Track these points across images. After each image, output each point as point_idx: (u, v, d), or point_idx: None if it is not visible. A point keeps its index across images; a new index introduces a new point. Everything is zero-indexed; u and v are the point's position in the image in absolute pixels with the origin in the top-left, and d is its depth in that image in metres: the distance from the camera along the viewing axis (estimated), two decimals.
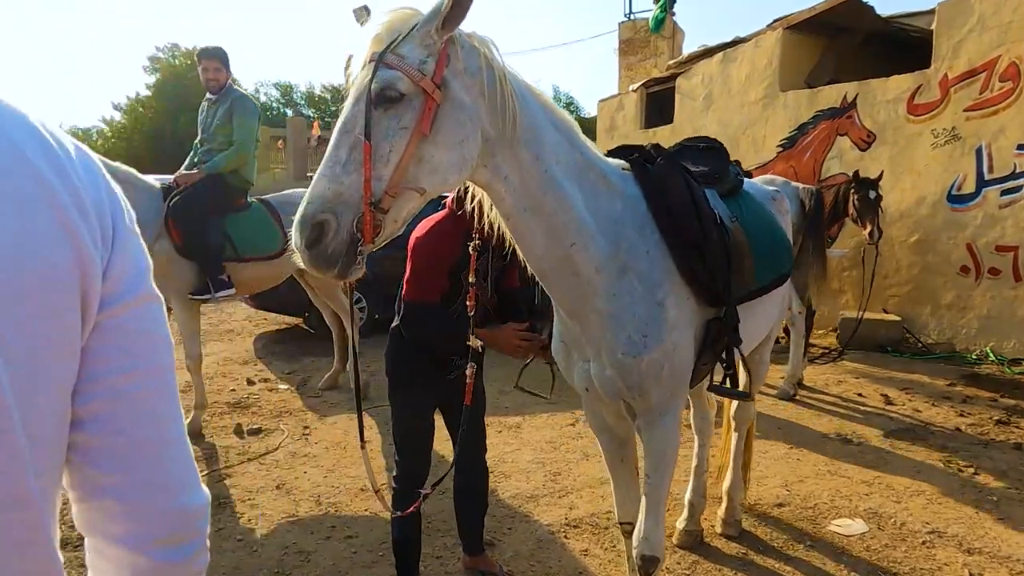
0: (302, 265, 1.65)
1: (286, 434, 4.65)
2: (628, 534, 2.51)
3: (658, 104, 10.86)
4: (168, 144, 24.06)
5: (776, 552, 3.12)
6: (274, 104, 42.57)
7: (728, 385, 2.28)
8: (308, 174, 21.59)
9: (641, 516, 2.20)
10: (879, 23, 8.10)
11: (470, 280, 2.34)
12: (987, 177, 6.45)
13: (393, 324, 2.65)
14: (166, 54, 29.24)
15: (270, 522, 3.42)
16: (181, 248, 4.42)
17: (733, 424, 3.34)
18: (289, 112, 37.16)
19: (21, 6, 73.13)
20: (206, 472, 4.00)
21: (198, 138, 4.91)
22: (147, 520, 0.71)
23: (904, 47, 8.33)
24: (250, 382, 5.95)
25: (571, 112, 48.44)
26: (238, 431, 4.70)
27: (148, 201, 4.43)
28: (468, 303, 2.32)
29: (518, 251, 2.09)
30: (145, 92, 27.99)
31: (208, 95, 4.84)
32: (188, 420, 4.66)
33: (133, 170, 4.52)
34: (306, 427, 4.83)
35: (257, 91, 40.61)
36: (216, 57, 4.72)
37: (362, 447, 2.19)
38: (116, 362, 0.68)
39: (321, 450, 4.39)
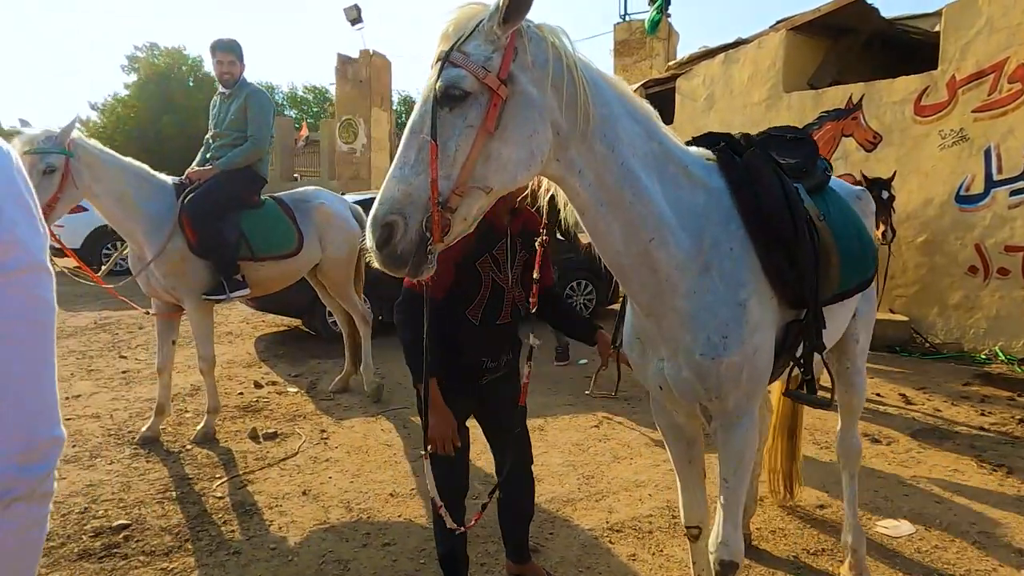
0: (375, 265, 1.61)
1: (304, 438, 4.51)
2: (695, 538, 2.43)
3: (657, 105, 10.67)
4: (151, 144, 23.67)
5: (827, 554, 3.06)
6: None
7: (805, 391, 2.19)
8: (295, 175, 21.42)
9: (719, 521, 2.12)
10: (883, 25, 8.15)
11: (493, 272, 2.25)
12: (996, 178, 6.50)
13: None
14: (144, 53, 28.83)
15: (301, 529, 3.29)
16: (195, 247, 4.26)
17: (840, 461, 2.94)
18: None
19: (21, 6, 71.71)
20: (227, 478, 3.86)
21: (210, 133, 4.76)
22: (6, 440, 0.84)
23: (906, 49, 8.39)
24: (258, 385, 5.80)
25: None
26: (253, 435, 4.55)
27: (161, 198, 4.28)
28: (531, 299, 2.22)
29: (593, 246, 2.01)
30: (124, 92, 27.53)
31: (221, 89, 4.69)
32: (202, 424, 4.52)
33: (146, 166, 4.36)
34: (323, 431, 4.69)
35: None
36: (231, 50, 4.57)
37: (425, 457, 2.07)
38: None
39: (342, 454, 4.26)
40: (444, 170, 1.54)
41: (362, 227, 5.41)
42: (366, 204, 7.31)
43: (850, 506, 2.83)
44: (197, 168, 4.54)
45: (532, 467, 2.75)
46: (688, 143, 2.12)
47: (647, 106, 1.96)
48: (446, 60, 1.58)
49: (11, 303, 0.84)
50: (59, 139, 3.76)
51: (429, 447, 2.15)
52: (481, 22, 1.60)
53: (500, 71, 1.58)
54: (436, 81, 1.56)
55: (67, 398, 5.25)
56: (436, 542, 2.61)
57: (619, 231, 1.86)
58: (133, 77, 27.92)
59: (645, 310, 2.02)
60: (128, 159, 4.26)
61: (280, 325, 8.45)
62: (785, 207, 1.98)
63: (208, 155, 4.70)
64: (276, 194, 5.04)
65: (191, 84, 26.27)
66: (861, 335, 2.76)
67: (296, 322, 8.29)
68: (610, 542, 3.19)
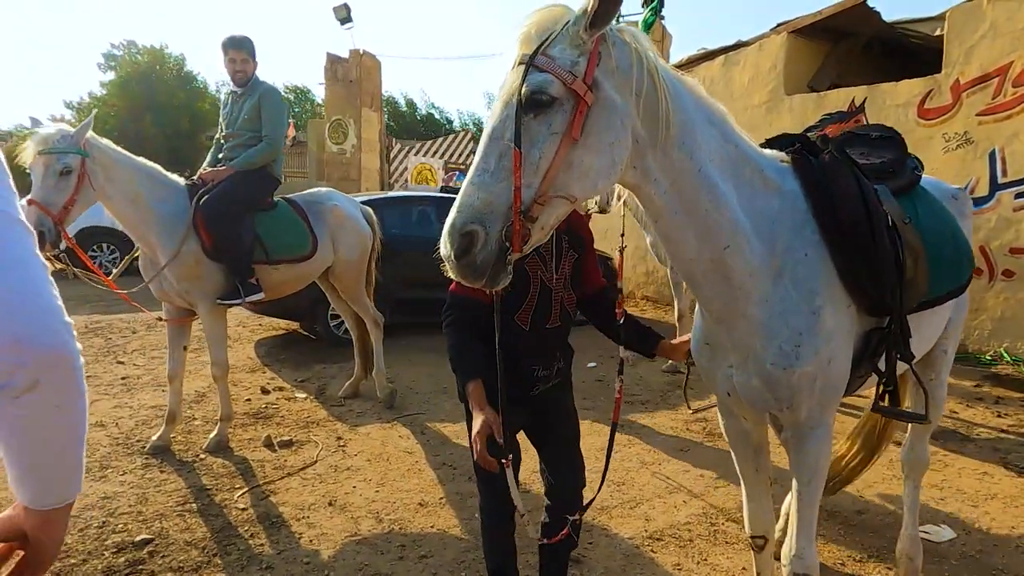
0: (451, 275, 1.55)
1: (321, 446, 4.40)
2: (761, 548, 2.38)
3: None
4: (132, 144, 23.11)
5: (874, 559, 3.03)
6: None
7: (887, 404, 2.13)
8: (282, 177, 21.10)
9: (792, 533, 2.06)
10: (884, 28, 8.21)
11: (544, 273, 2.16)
12: (1001, 180, 6.55)
13: None
14: (122, 51, 28.34)
15: (333, 542, 3.18)
16: (210, 250, 4.13)
17: (903, 468, 2.88)
18: None
19: (21, 6, 70.13)
20: (247, 489, 3.73)
21: (221, 133, 4.62)
22: None
23: (905, 54, 8.46)
24: (264, 391, 5.66)
25: None
26: (268, 444, 4.43)
27: (174, 200, 4.14)
28: (617, 310, 2.14)
29: (665, 251, 1.96)
30: (100, 91, 26.97)
31: (233, 88, 4.55)
32: (215, 432, 4.38)
33: (158, 166, 4.22)
34: (339, 438, 4.58)
35: (218, 91, 39.66)
36: (243, 47, 4.44)
37: (503, 465, 1.99)
38: None
39: (363, 462, 4.16)
40: (526, 178, 1.49)
41: (372, 229, 5.35)
42: (373, 205, 7.21)
43: (911, 515, 2.78)
44: (211, 169, 4.41)
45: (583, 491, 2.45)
46: (762, 145, 2.06)
47: (721, 108, 1.91)
48: (530, 64, 1.52)
49: None
50: (75, 138, 3.61)
51: (477, 447, 1.93)
52: (566, 25, 1.55)
53: (586, 76, 1.54)
54: (520, 85, 1.50)
55: None
56: (485, 555, 2.51)
57: (694, 238, 1.81)
58: (110, 75, 27.42)
59: (716, 317, 1.96)
60: (141, 159, 4.12)
61: (278, 329, 8.30)
62: (863, 210, 1.93)
63: (220, 156, 4.56)
64: (287, 195, 4.92)
65: (172, 82, 25.83)
66: (950, 345, 2.67)
67: (294, 325, 8.15)
68: (652, 551, 3.12)
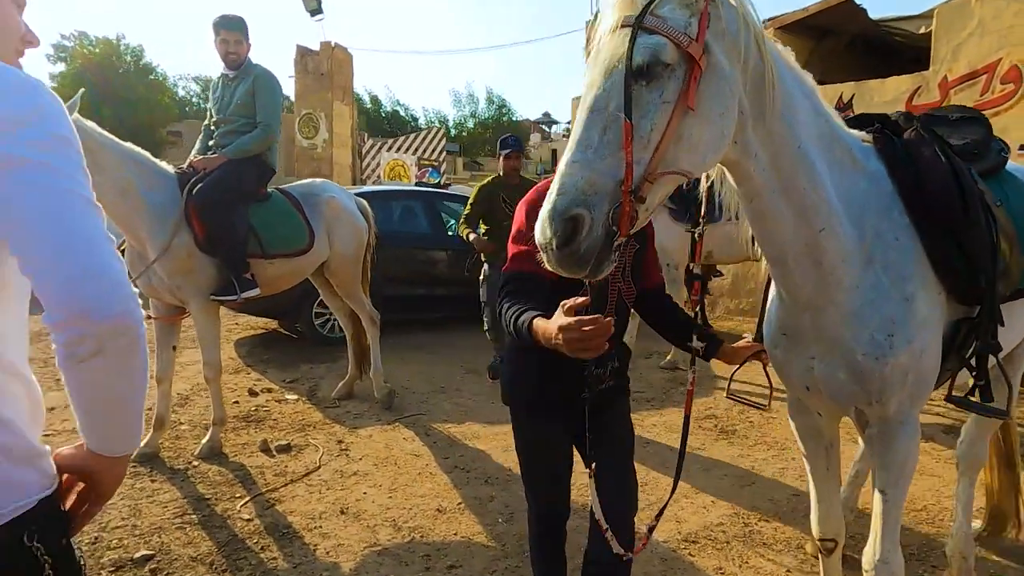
0: (546, 265, 1.38)
1: (322, 451, 4.16)
2: (830, 552, 2.26)
3: None
4: None
5: (916, 559, 2.95)
6: (194, 99, 40.65)
7: (976, 398, 2.02)
8: None
9: (875, 538, 1.94)
10: (870, 26, 8.27)
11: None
12: None
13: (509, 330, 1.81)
14: (74, 42, 27.32)
15: (352, 553, 2.97)
16: (203, 242, 3.86)
17: (959, 464, 2.75)
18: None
19: None
20: (250, 498, 3.49)
21: (212, 119, 4.34)
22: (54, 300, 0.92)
23: (889, 51, 8.55)
24: (252, 393, 5.38)
25: (505, 115, 48.26)
26: (265, 448, 4.17)
27: (164, 189, 3.86)
28: (693, 297, 1.98)
29: (755, 233, 1.82)
30: (50, 83, 25.88)
31: (225, 71, 4.28)
32: (207, 437, 4.12)
33: (146, 152, 3.94)
34: (340, 441, 4.35)
35: (175, 84, 38.60)
36: (237, 28, 4.19)
37: (590, 475, 1.81)
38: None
39: (369, 467, 3.94)
40: (636, 153, 1.34)
41: (368, 222, 5.12)
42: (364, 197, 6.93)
43: (965, 513, 2.70)
44: (202, 156, 4.13)
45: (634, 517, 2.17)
46: None
47: (811, 79, 1.80)
48: (637, 26, 1.36)
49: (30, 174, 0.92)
50: None
51: (570, 333, 1.40)
52: None
53: (697, 39, 1.39)
54: (630, 50, 1.34)
55: None
56: (533, 565, 2.34)
57: (791, 219, 1.71)
58: (60, 67, 26.49)
59: (803, 305, 1.84)
60: (128, 144, 3.83)
61: (257, 328, 7.97)
62: (954, 188, 1.83)
63: (211, 143, 4.28)
64: (281, 186, 4.66)
65: (130, 73, 24.94)
66: None
67: (273, 324, 7.83)
68: (690, 555, 2.99)
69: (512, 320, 1.67)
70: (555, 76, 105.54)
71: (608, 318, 1.43)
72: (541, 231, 1.34)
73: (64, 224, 0.92)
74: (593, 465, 1.81)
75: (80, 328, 0.91)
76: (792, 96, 1.65)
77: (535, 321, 1.57)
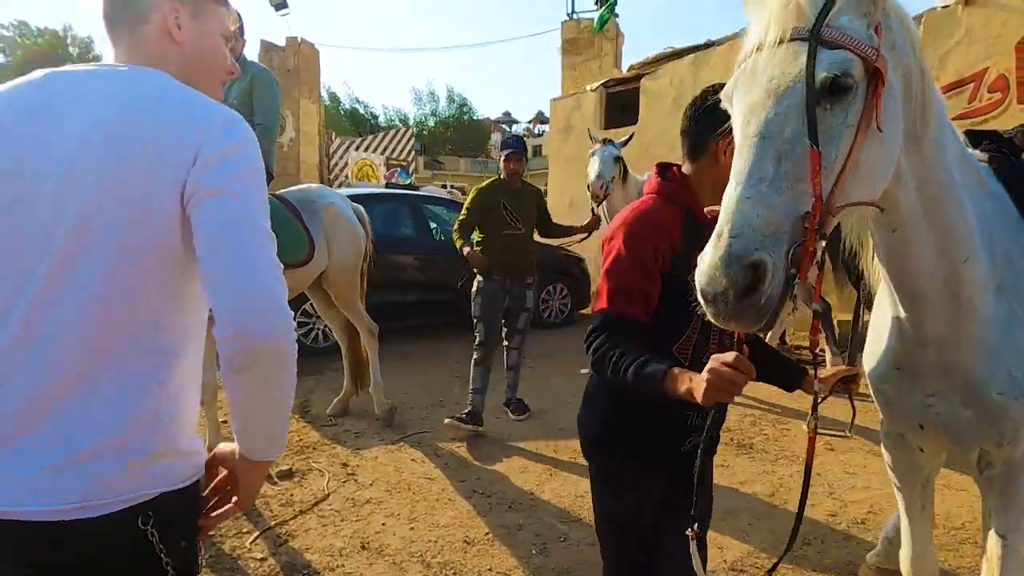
0: (709, 318, 1.21)
1: (328, 476, 3.89)
2: None
3: (619, 104, 10.70)
4: None
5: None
6: None
7: None
8: None
9: None
10: None
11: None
12: None
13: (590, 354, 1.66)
14: (13, 32, 26.05)
15: None
16: None
17: None
18: None
19: None
20: (259, 533, 3.21)
21: None
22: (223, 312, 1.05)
23: None
24: None
25: (466, 114, 47.82)
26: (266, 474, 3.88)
27: None
28: (811, 336, 1.81)
29: (891, 266, 1.66)
30: None
31: None
32: None
33: None
34: (345, 464, 4.08)
35: None
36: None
37: (692, 537, 1.57)
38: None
39: (382, 493, 3.69)
40: (821, 184, 1.18)
41: (365, 229, 4.85)
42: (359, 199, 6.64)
43: None
44: None
45: None
46: None
47: (940, 92, 1.65)
48: (815, 39, 1.19)
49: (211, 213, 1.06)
50: None
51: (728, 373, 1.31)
52: None
53: (879, 51, 1.25)
54: (810, 67, 1.17)
55: None
56: None
57: (934, 250, 1.56)
58: (0, 59, 25.34)
59: (929, 340, 1.70)
60: None
61: None
62: None
63: None
64: (277, 192, 4.36)
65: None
66: None
67: None
68: None
69: (633, 369, 1.49)
70: (516, 75, 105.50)
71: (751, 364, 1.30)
72: (711, 279, 1.14)
73: (242, 252, 1.04)
74: (696, 525, 1.59)
75: (239, 345, 1.03)
76: (941, 114, 1.52)
77: (673, 369, 1.42)
